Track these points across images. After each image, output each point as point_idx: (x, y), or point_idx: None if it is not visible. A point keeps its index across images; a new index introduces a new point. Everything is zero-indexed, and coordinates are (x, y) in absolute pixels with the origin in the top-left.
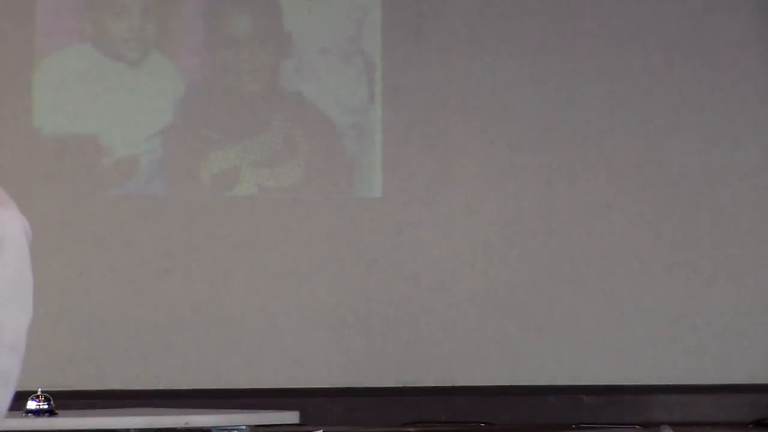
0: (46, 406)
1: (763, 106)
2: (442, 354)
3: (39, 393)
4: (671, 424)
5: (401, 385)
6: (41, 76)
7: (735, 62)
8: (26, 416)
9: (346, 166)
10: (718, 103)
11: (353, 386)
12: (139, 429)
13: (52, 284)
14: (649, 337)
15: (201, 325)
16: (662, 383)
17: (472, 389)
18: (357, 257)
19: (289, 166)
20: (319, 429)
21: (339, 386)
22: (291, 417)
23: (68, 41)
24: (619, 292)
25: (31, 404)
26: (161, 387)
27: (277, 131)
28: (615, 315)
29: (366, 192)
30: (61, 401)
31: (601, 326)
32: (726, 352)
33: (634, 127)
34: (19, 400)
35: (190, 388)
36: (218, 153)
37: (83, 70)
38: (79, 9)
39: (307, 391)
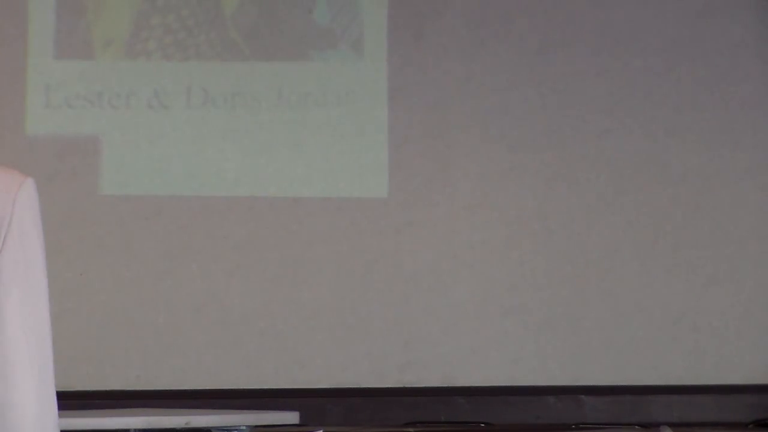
0: None
1: (763, 107)
2: (442, 354)
3: None
4: (671, 424)
5: (401, 385)
6: (39, 76)
7: (735, 63)
8: None
9: (346, 167)
10: (718, 104)
11: (353, 386)
12: (140, 429)
13: (52, 284)
14: (649, 337)
15: (201, 325)
16: (662, 383)
17: (472, 389)
18: (357, 257)
19: (289, 166)
20: (319, 429)
21: (339, 386)
22: (291, 417)
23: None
24: (619, 292)
25: None
26: (161, 387)
27: (277, 131)
28: (615, 315)
29: (366, 192)
30: (61, 401)
31: (601, 326)
32: (726, 352)
33: (634, 127)
34: None
35: (190, 388)
36: (218, 153)
37: (83, 70)
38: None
39: (307, 391)
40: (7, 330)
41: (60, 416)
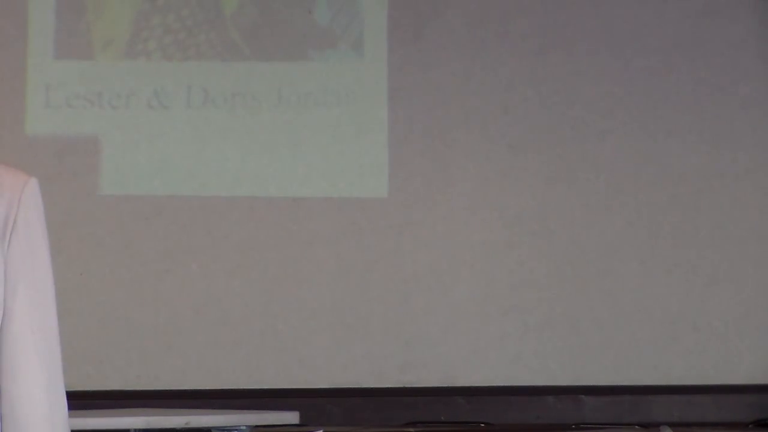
0: None
1: (763, 107)
2: (442, 354)
3: None
4: (671, 424)
5: (401, 385)
6: (39, 76)
7: (735, 63)
8: None
9: (346, 167)
10: (717, 104)
11: (353, 386)
12: (140, 429)
13: None
14: (649, 337)
15: (201, 325)
16: (662, 383)
17: (472, 389)
18: (357, 257)
19: (289, 166)
20: (319, 429)
21: (339, 386)
22: (291, 417)
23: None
24: (619, 292)
25: None
26: (161, 387)
27: (277, 131)
28: (615, 315)
29: (366, 192)
30: None
31: (601, 326)
32: (726, 352)
33: (634, 127)
34: None
35: (190, 388)
36: (218, 153)
37: (83, 70)
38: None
39: (307, 391)
40: (15, 325)
41: None
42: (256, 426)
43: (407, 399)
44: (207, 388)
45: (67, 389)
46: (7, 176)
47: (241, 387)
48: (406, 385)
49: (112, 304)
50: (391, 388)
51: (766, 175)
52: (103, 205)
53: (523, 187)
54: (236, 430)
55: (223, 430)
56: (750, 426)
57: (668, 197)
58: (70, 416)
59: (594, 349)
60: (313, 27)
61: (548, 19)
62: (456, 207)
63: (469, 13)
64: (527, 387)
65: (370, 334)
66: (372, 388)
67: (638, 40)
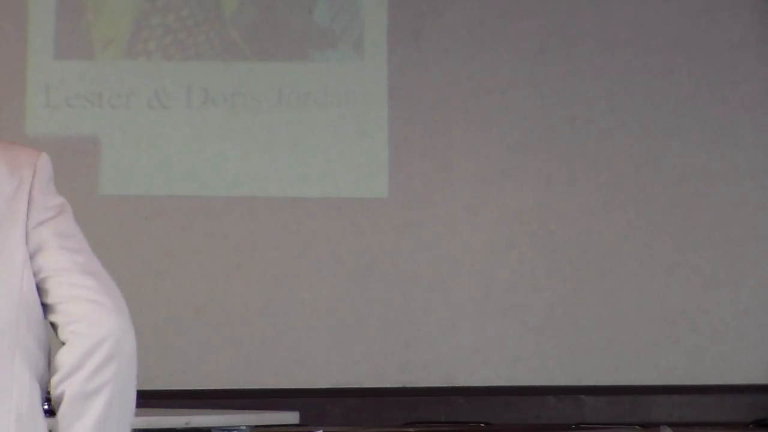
0: (46, 407)
1: (763, 107)
2: (442, 354)
3: None
4: (671, 424)
5: (401, 385)
6: (39, 76)
7: (735, 63)
8: None
9: (346, 167)
10: (718, 104)
11: (353, 386)
12: (140, 429)
13: None
14: (649, 337)
15: (201, 325)
16: (662, 383)
17: (472, 389)
18: (357, 257)
19: (289, 166)
20: (319, 429)
21: (339, 386)
22: (291, 417)
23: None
24: (619, 292)
25: None
26: (161, 387)
27: (277, 131)
28: (615, 315)
29: (366, 192)
30: None
31: (601, 326)
32: (726, 352)
33: (634, 127)
34: None
35: (190, 388)
36: (218, 153)
37: (83, 70)
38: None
39: (307, 391)
40: (52, 264)
41: None
42: (256, 426)
43: (407, 399)
44: (207, 388)
45: None
46: (22, 154)
47: (241, 387)
48: (406, 385)
49: None
50: (390, 388)
51: (766, 175)
52: (103, 205)
53: (523, 187)
54: (236, 430)
55: (223, 430)
56: (750, 426)
57: (668, 197)
58: None
59: (594, 349)
60: (313, 27)
61: (548, 19)
62: (456, 207)
63: (469, 13)
64: (527, 387)
65: (370, 334)
66: (372, 388)
67: (638, 40)
